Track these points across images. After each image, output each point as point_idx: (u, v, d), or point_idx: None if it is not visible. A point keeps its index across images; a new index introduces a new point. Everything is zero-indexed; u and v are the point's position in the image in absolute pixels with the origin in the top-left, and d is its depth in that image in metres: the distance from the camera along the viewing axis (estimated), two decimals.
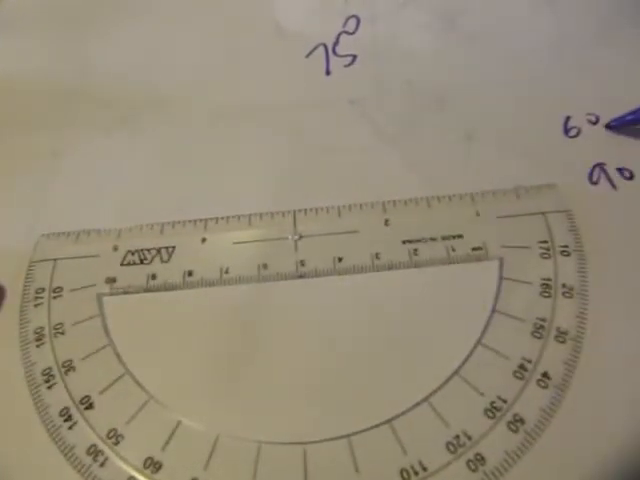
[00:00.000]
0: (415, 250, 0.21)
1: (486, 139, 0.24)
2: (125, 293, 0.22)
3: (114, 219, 0.23)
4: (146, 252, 0.22)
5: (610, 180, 0.22)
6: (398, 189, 0.23)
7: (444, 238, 0.21)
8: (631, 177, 0.22)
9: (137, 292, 0.22)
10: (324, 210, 0.23)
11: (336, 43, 0.27)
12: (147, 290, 0.22)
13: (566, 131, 0.24)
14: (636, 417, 0.18)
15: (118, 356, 0.21)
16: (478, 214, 0.22)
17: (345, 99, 0.26)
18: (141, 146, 0.25)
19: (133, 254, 0.22)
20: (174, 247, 0.22)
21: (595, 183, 0.23)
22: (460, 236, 0.21)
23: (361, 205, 0.23)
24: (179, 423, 0.19)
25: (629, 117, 0.23)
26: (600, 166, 0.23)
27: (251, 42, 0.27)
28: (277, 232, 0.22)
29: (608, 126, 0.23)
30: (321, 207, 0.23)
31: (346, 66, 0.27)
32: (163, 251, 0.22)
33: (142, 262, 0.22)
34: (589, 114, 0.24)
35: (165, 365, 0.20)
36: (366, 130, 0.25)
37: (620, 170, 0.23)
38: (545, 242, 0.21)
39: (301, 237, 0.22)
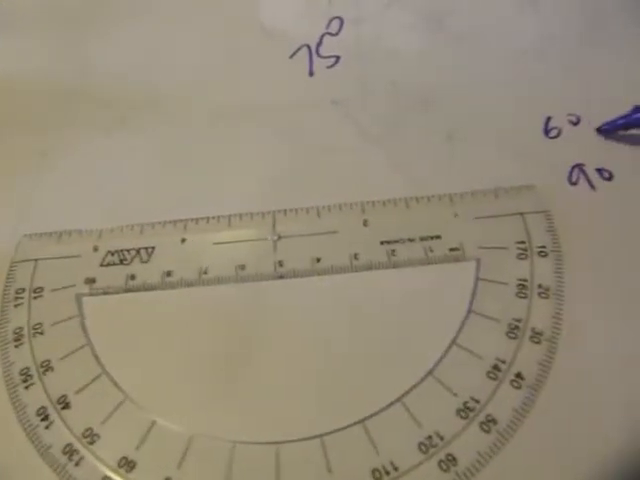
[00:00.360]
0: (393, 251, 0.21)
1: (468, 140, 0.24)
2: (104, 293, 0.22)
3: (98, 219, 0.23)
4: (126, 252, 0.22)
5: (589, 181, 0.22)
6: (380, 190, 0.23)
7: (422, 239, 0.21)
8: (610, 178, 0.22)
9: (116, 292, 0.22)
10: (304, 211, 0.23)
11: (319, 44, 0.27)
12: (126, 290, 0.22)
13: (547, 132, 0.24)
14: (611, 419, 0.18)
15: (96, 356, 0.21)
16: (456, 215, 0.22)
17: (328, 100, 0.26)
18: (123, 148, 0.25)
19: (113, 254, 0.22)
20: (154, 247, 0.22)
21: (574, 184, 0.22)
22: (438, 237, 0.21)
23: (341, 206, 0.23)
24: (154, 423, 0.19)
25: (620, 121, 0.23)
26: (579, 167, 0.23)
27: (235, 43, 0.27)
28: (256, 233, 0.22)
29: (599, 130, 0.23)
30: (301, 208, 0.23)
31: (329, 67, 0.27)
32: (143, 252, 0.22)
33: (122, 262, 0.22)
34: (570, 115, 0.24)
35: (142, 365, 0.20)
36: (349, 131, 0.25)
37: (599, 171, 0.23)
38: (522, 243, 0.21)
39: (280, 238, 0.22)
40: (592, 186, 0.22)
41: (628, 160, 0.23)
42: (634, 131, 0.23)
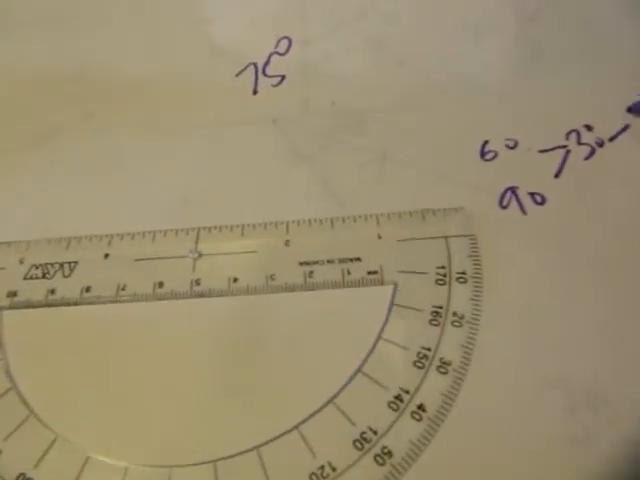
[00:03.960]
0: (311, 272, 0.21)
1: (402, 161, 0.23)
2: (25, 307, 0.22)
3: (26, 232, 0.23)
4: (49, 266, 0.22)
5: (520, 204, 0.22)
6: (308, 209, 0.22)
7: (341, 261, 0.21)
8: (542, 202, 0.22)
9: (36, 307, 0.22)
10: (228, 228, 0.22)
11: (267, 63, 0.27)
12: (46, 305, 0.22)
13: (482, 154, 0.23)
14: (512, 454, 0.17)
15: (7, 371, 0.20)
16: (380, 237, 0.21)
17: (269, 118, 0.25)
18: (53, 161, 0.25)
19: (37, 268, 0.22)
20: (77, 262, 0.22)
21: (505, 207, 0.22)
22: (358, 259, 0.21)
23: (265, 225, 0.22)
24: (54, 441, 0.19)
25: None
26: (512, 190, 0.22)
27: (183, 59, 0.27)
28: (178, 250, 0.22)
29: (629, 109, 0.23)
30: (225, 225, 0.22)
31: (274, 86, 0.26)
32: (66, 266, 0.22)
33: (44, 276, 0.22)
34: (508, 139, 0.23)
35: (51, 381, 0.20)
36: (283, 149, 0.24)
37: (532, 195, 0.22)
38: (443, 268, 0.20)
39: (200, 255, 0.22)
40: (523, 210, 0.22)
41: (562, 185, 0.22)
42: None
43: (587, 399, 0.17)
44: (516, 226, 0.21)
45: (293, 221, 0.22)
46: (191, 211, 0.23)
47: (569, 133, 0.23)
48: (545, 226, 0.21)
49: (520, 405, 0.18)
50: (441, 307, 0.19)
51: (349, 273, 0.21)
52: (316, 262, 0.21)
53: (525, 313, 0.19)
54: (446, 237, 0.21)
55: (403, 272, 0.20)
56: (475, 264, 0.20)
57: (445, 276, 0.20)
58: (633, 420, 0.18)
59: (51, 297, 0.22)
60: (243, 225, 0.22)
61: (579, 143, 0.23)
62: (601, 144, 0.23)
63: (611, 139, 0.23)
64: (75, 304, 0.21)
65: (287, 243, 0.22)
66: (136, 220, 0.23)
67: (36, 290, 0.22)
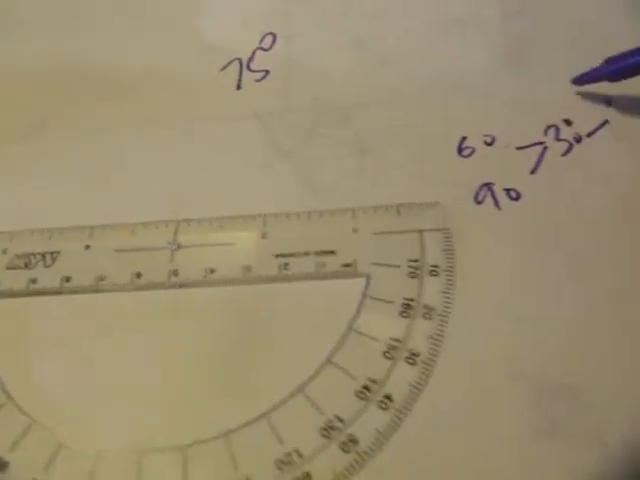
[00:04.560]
0: (286, 265, 0.21)
1: (380, 157, 0.24)
2: (7, 297, 0.22)
3: (10, 223, 0.24)
4: (31, 257, 0.23)
5: (495, 200, 0.22)
6: (286, 203, 0.23)
7: (317, 253, 0.21)
8: (517, 198, 0.22)
9: (18, 296, 0.22)
10: (207, 221, 0.23)
11: (251, 58, 0.28)
12: (27, 294, 0.22)
13: (460, 150, 0.23)
14: (474, 448, 0.17)
15: None
16: (355, 230, 0.22)
17: (251, 113, 0.26)
18: (37, 154, 0.25)
19: (19, 258, 0.23)
20: (59, 252, 0.23)
21: (480, 203, 0.22)
22: (332, 252, 0.21)
23: (244, 217, 0.23)
24: (30, 426, 0.19)
25: (594, 73, 0.22)
26: (488, 186, 0.22)
27: (168, 54, 0.27)
28: (157, 241, 0.22)
29: (574, 81, 0.23)
30: (204, 218, 0.23)
31: (257, 81, 0.27)
32: (47, 256, 0.23)
33: (26, 266, 0.23)
34: (486, 135, 0.23)
35: (29, 368, 0.20)
36: (264, 144, 0.25)
37: (507, 191, 0.22)
38: (416, 261, 0.20)
39: (179, 247, 0.22)
40: (498, 206, 0.22)
41: (538, 181, 0.22)
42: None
43: (555, 392, 0.18)
44: (491, 221, 0.21)
45: (270, 214, 0.22)
46: (172, 204, 0.23)
47: (547, 129, 0.23)
48: (520, 221, 0.21)
49: (487, 397, 0.18)
50: (412, 299, 0.20)
51: (323, 265, 0.21)
52: (292, 255, 0.21)
53: (496, 307, 0.19)
54: (421, 231, 0.21)
55: (376, 265, 0.21)
56: (448, 258, 0.20)
57: (417, 269, 0.20)
58: (601, 413, 0.18)
59: (32, 286, 0.22)
60: (222, 218, 0.23)
61: (557, 139, 0.23)
62: (579, 140, 0.23)
63: (589, 135, 0.23)
64: (56, 293, 0.22)
65: (264, 236, 0.22)
66: (118, 212, 0.23)
67: (18, 279, 0.22)
